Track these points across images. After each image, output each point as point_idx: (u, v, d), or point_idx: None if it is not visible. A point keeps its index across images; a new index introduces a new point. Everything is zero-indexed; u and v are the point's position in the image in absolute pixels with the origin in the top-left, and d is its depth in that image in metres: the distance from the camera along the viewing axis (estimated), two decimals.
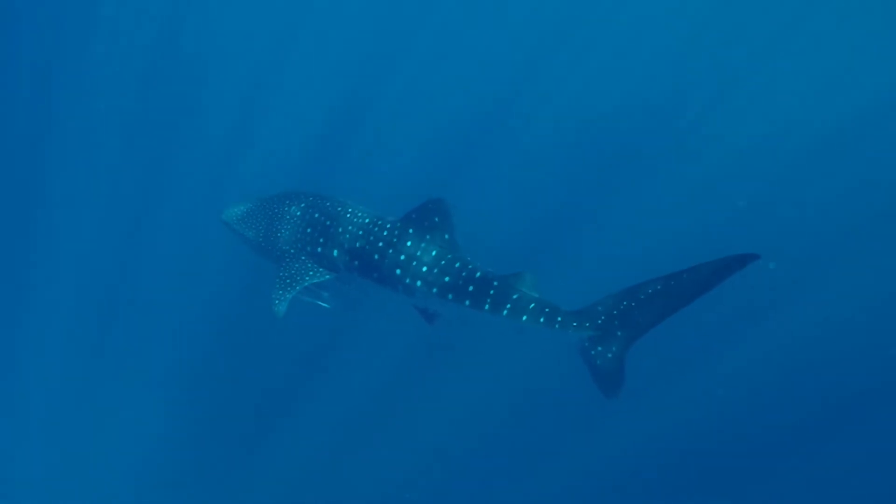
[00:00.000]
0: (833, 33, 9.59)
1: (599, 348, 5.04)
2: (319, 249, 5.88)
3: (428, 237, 5.53)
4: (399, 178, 9.59)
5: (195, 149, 10.17)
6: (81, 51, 10.34)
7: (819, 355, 9.17)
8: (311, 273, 5.78)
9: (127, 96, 10.32)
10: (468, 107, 10.34)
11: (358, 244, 5.71)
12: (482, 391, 9.20)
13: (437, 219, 5.52)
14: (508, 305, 5.19)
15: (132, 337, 9.96)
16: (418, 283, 5.46)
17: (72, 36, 10.37)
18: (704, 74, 10.14)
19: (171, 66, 10.49)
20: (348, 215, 5.88)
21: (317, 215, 6.00)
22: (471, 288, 5.30)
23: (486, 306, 5.25)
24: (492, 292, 5.24)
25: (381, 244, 5.61)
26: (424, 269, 5.44)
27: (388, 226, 5.69)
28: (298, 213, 6.09)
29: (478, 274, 5.33)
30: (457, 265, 5.40)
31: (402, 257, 5.51)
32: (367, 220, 5.79)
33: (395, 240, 5.58)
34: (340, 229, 5.82)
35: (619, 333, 4.99)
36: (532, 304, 5.15)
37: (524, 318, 5.15)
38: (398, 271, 5.52)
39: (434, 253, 5.47)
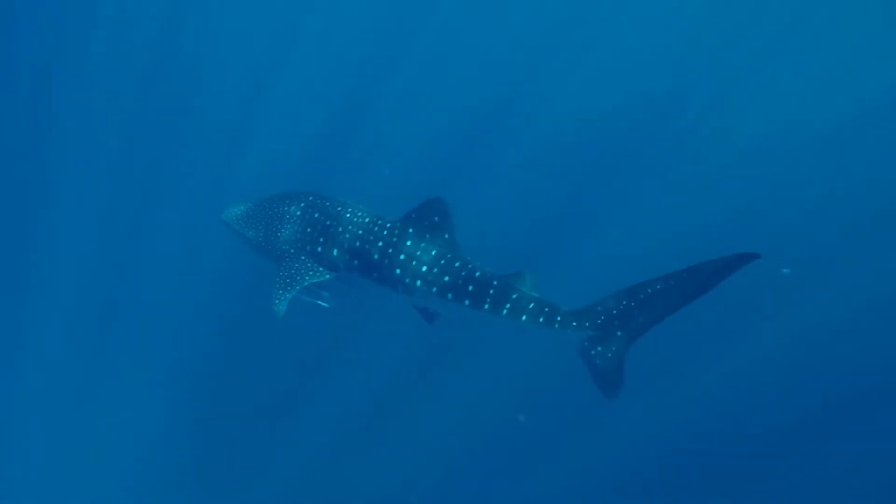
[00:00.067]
0: (833, 33, 9.60)
1: (599, 348, 5.04)
2: (319, 249, 5.88)
3: (428, 237, 5.53)
4: (399, 177, 9.60)
5: (195, 149, 10.18)
6: (81, 51, 10.35)
7: (819, 355, 9.18)
8: (311, 273, 5.79)
9: (127, 96, 10.33)
10: (468, 106, 10.35)
11: (358, 244, 5.71)
12: (482, 391, 9.20)
13: (436, 218, 5.54)
14: (508, 305, 5.20)
15: (132, 337, 9.96)
16: (418, 282, 5.46)
17: (72, 36, 10.38)
18: (704, 74, 10.16)
19: (171, 66, 10.50)
20: (348, 215, 5.89)
21: (317, 215, 6.00)
22: (470, 287, 5.30)
23: (486, 306, 5.25)
24: (491, 292, 5.25)
25: (380, 244, 5.61)
26: (424, 268, 5.45)
27: (388, 225, 5.69)
28: (298, 213, 6.10)
29: (477, 273, 5.34)
30: (456, 265, 5.40)
31: (402, 257, 5.52)
32: (367, 220, 5.79)
33: (394, 239, 5.58)
34: (340, 229, 5.82)
35: (618, 333, 5.00)
36: (531, 304, 5.16)
37: (524, 317, 5.16)
38: (398, 271, 5.53)
39: (434, 252, 5.48)
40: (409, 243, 5.54)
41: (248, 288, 8.45)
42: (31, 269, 10.34)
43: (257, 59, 10.61)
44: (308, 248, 5.93)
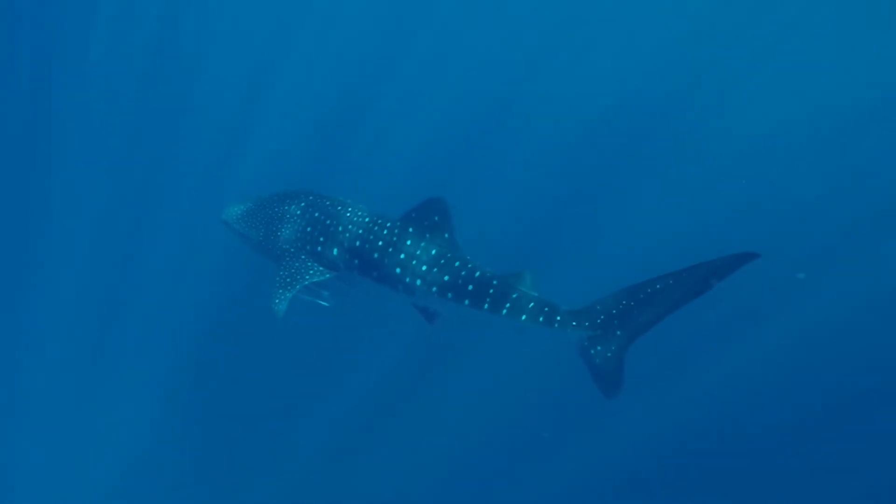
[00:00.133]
0: (833, 33, 9.60)
1: (599, 347, 5.04)
2: (319, 248, 5.88)
3: (428, 236, 5.54)
4: (399, 177, 9.60)
5: (195, 148, 10.18)
6: (81, 50, 10.35)
7: (819, 355, 9.17)
8: (311, 272, 5.78)
9: (127, 96, 10.34)
10: (468, 106, 10.35)
11: (358, 243, 5.71)
12: (482, 391, 9.19)
13: (436, 218, 5.54)
14: (508, 305, 5.19)
15: (132, 337, 9.95)
16: (418, 281, 5.46)
17: (71, 35, 10.38)
18: (704, 74, 10.16)
19: (171, 65, 10.50)
20: (348, 214, 5.89)
21: (317, 214, 6.01)
22: (470, 287, 5.30)
23: (486, 305, 5.25)
24: (491, 291, 5.25)
25: (380, 243, 5.62)
26: (424, 267, 5.45)
27: (388, 225, 5.69)
28: (298, 212, 6.10)
29: (477, 273, 5.33)
30: (456, 264, 5.40)
31: (402, 256, 5.52)
32: (367, 219, 5.80)
33: (394, 239, 5.59)
34: (340, 228, 5.82)
35: (618, 333, 5.00)
36: (531, 304, 5.16)
37: (523, 317, 5.16)
38: (398, 270, 5.53)
39: (434, 252, 5.48)
40: (409, 242, 5.54)
41: (248, 287, 8.44)
42: (31, 268, 10.34)
43: (257, 58, 10.62)
44: (308, 247, 5.94)
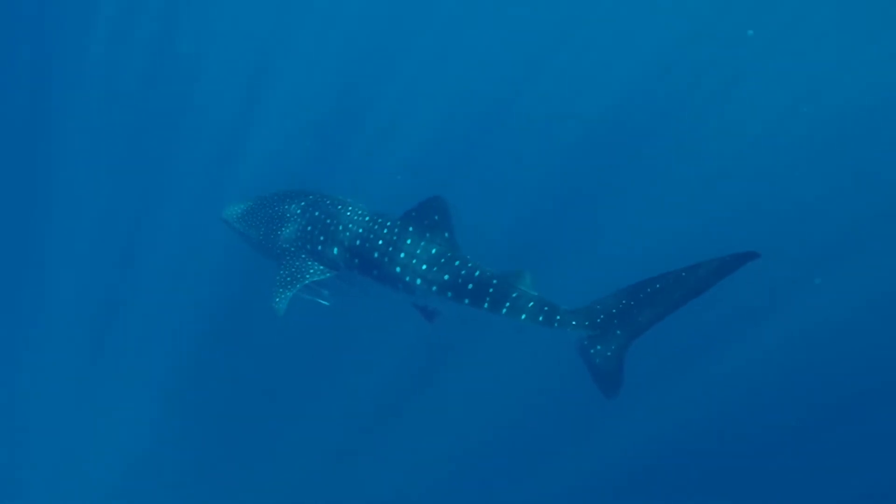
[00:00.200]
0: (833, 32, 9.61)
1: (599, 347, 5.04)
2: (320, 247, 5.89)
3: (428, 235, 5.54)
4: (399, 176, 9.61)
5: (195, 147, 10.17)
6: (80, 49, 10.34)
7: (819, 355, 9.17)
8: (311, 271, 5.79)
9: (126, 95, 10.32)
10: (468, 105, 10.36)
11: (358, 242, 5.72)
12: (482, 391, 9.19)
13: (436, 217, 5.55)
14: (507, 304, 5.20)
15: (132, 336, 9.95)
16: (418, 280, 5.47)
17: (71, 34, 10.37)
18: (704, 73, 10.17)
19: (171, 64, 10.50)
20: (348, 213, 5.90)
21: (317, 213, 6.01)
22: (470, 286, 5.31)
23: (486, 304, 5.25)
24: (491, 290, 5.25)
25: (381, 242, 5.62)
26: (424, 267, 5.45)
27: (388, 224, 5.70)
28: (298, 212, 6.11)
29: (477, 272, 5.34)
30: (456, 263, 5.41)
31: (402, 255, 5.53)
32: (367, 218, 5.81)
33: (394, 238, 5.59)
34: (341, 227, 5.83)
35: (618, 332, 5.00)
36: (531, 303, 5.16)
37: (523, 316, 5.16)
38: (398, 269, 5.54)
39: (434, 251, 5.49)
40: (409, 242, 5.55)
41: (248, 287, 8.44)
42: (31, 268, 10.34)
43: (257, 57, 10.61)
44: (308, 246, 5.94)
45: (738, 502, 9.32)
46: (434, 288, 5.42)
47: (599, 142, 10.02)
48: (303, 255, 5.93)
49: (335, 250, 5.82)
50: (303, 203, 6.15)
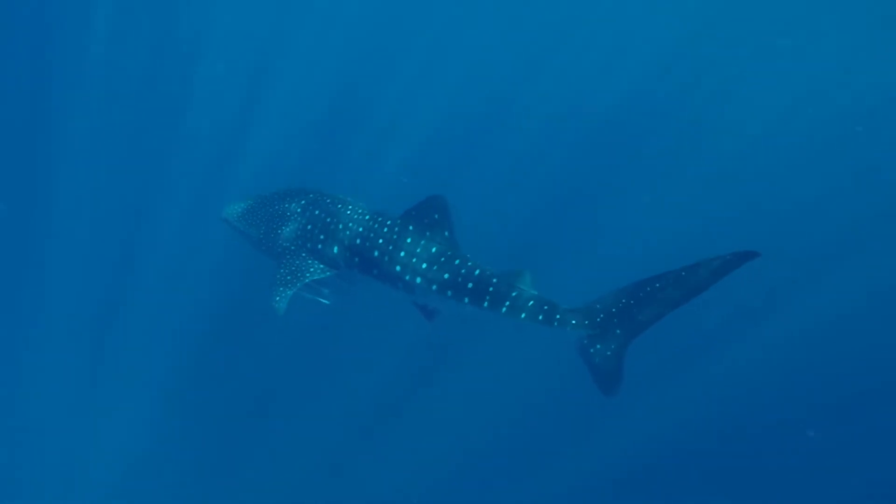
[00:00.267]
0: (833, 31, 9.62)
1: (598, 346, 5.04)
2: (320, 246, 5.90)
3: (428, 234, 5.55)
4: (399, 174, 9.61)
5: (195, 146, 10.17)
6: (79, 48, 10.33)
7: (819, 355, 9.17)
8: (311, 270, 5.81)
9: (126, 94, 10.31)
10: (469, 104, 10.36)
11: (358, 241, 5.73)
12: (482, 391, 9.19)
13: (436, 216, 5.56)
14: (507, 303, 5.20)
15: (132, 336, 9.94)
16: (418, 279, 5.47)
17: (70, 33, 10.37)
18: (704, 73, 10.18)
19: (171, 63, 10.50)
20: (349, 212, 5.91)
21: (317, 212, 6.02)
22: (470, 285, 5.32)
23: (485, 303, 5.27)
24: (491, 289, 5.26)
25: (381, 241, 5.63)
26: (424, 265, 5.46)
27: (389, 223, 5.71)
28: (299, 210, 6.12)
29: (477, 271, 5.35)
30: (456, 262, 5.42)
31: (402, 254, 5.54)
32: (367, 217, 5.82)
33: (395, 237, 5.60)
34: (341, 226, 5.84)
35: (617, 331, 5.00)
36: (531, 302, 5.17)
37: (522, 315, 5.17)
38: (398, 268, 5.54)
39: (434, 250, 5.50)
40: (409, 240, 5.56)
41: (248, 286, 8.44)
42: (31, 268, 10.33)
43: (257, 56, 10.62)
44: (308, 245, 5.95)
45: (738, 502, 9.31)
46: (434, 287, 5.43)
47: (599, 140, 10.03)
48: (303, 254, 5.94)
49: (335, 249, 5.83)
50: (303, 202, 6.17)
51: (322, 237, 5.89)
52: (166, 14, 10.55)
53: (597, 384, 5.13)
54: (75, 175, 10.19)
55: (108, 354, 10.05)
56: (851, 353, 9.28)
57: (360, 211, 5.90)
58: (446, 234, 5.56)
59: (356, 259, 5.75)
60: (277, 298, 5.57)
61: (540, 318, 5.12)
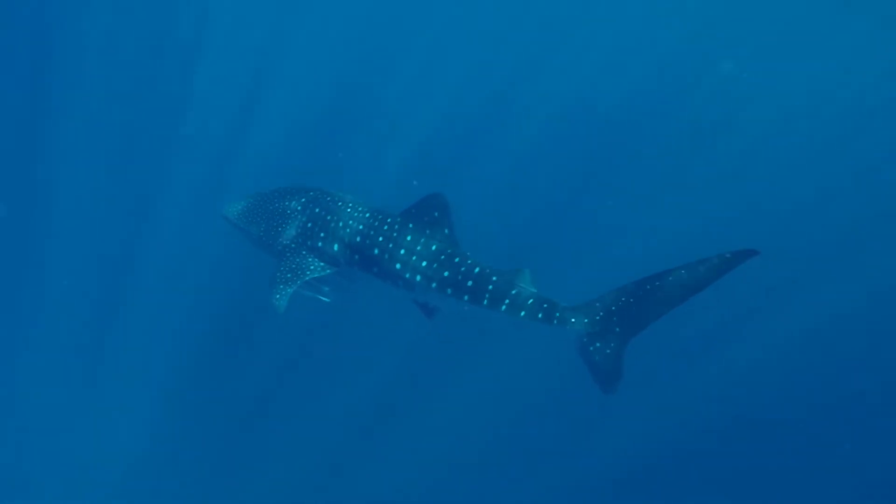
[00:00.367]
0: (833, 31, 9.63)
1: (598, 344, 5.04)
2: (320, 244, 5.90)
3: (428, 232, 5.56)
4: (399, 173, 9.61)
5: (195, 144, 10.18)
6: (79, 46, 10.34)
7: (819, 355, 9.18)
8: (311, 268, 5.81)
9: (125, 92, 10.32)
10: (469, 103, 10.37)
11: (358, 239, 5.73)
12: (481, 391, 9.19)
13: (436, 214, 5.57)
14: (507, 301, 5.21)
15: (131, 336, 9.95)
16: (418, 277, 5.48)
17: (69, 31, 10.38)
18: (704, 72, 10.18)
19: (171, 61, 10.51)
20: (349, 210, 5.92)
21: (317, 210, 6.03)
22: (470, 283, 5.32)
23: (485, 301, 5.27)
24: (490, 287, 5.26)
25: (381, 239, 5.64)
26: (424, 263, 5.47)
27: (389, 221, 5.71)
28: (299, 208, 6.13)
29: (477, 269, 5.35)
30: (456, 260, 5.42)
31: (402, 252, 5.54)
32: (367, 215, 5.82)
33: (395, 234, 5.61)
34: (341, 224, 5.85)
35: (617, 329, 5.00)
36: (530, 300, 5.17)
37: (522, 313, 5.17)
38: (398, 266, 5.55)
39: (434, 248, 5.50)
40: (409, 238, 5.57)
41: (248, 284, 8.44)
42: (31, 268, 10.33)
43: (257, 53, 10.64)
44: (309, 242, 5.95)
45: (738, 502, 9.31)
46: (434, 284, 5.43)
47: (599, 140, 10.04)
48: (303, 252, 5.95)
49: (336, 247, 5.84)
50: (303, 199, 6.17)
51: (322, 235, 5.89)
52: (166, 13, 10.55)
53: (596, 382, 5.12)
54: (75, 174, 10.20)
55: (108, 354, 10.04)
56: (851, 352, 9.28)
57: (360, 209, 5.91)
58: (446, 231, 5.57)
59: (356, 257, 5.76)
60: (278, 296, 5.58)
61: (539, 316, 5.13)
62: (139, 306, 9.88)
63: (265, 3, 10.71)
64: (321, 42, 10.70)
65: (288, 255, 5.96)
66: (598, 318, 5.02)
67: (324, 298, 6.16)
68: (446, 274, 5.39)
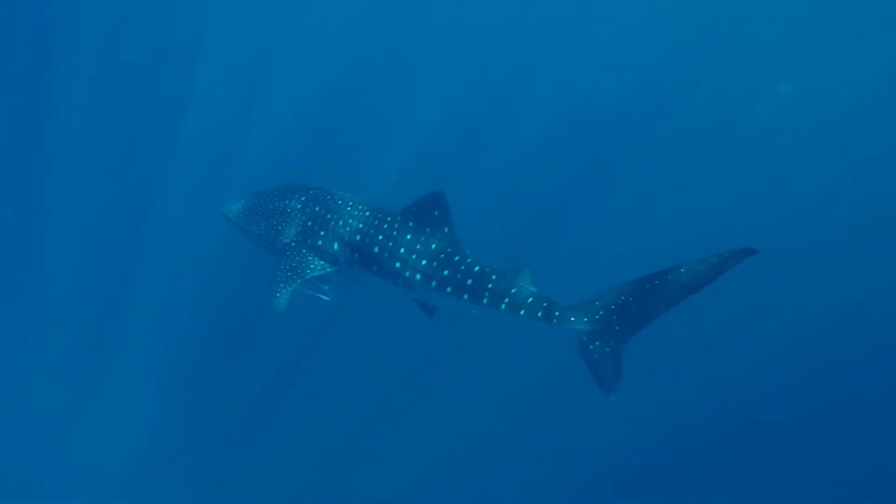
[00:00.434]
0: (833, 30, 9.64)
1: (597, 343, 5.05)
2: (320, 242, 5.91)
3: (427, 230, 5.56)
4: (399, 172, 9.62)
5: (195, 143, 10.18)
6: (79, 46, 10.35)
7: (819, 355, 9.17)
8: (311, 266, 5.82)
9: (125, 91, 10.33)
10: (469, 101, 10.38)
11: (358, 237, 5.74)
12: (481, 391, 9.19)
13: (436, 212, 5.57)
14: (506, 300, 5.21)
15: (131, 335, 9.95)
16: (417, 276, 5.49)
17: (69, 30, 10.39)
18: (704, 72, 10.18)
19: (170, 60, 10.52)
20: (349, 208, 5.93)
21: (317, 208, 6.04)
22: (469, 282, 5.33)
23: (485, 300, 5.27)
24: (490, 286, 5.27)
25: (381, 237, 5.65)
26: (424, 262, 5.47)
27: (389, 219, 5.72)
28: (299, 207, 6.13)
29: (476, 268, 5.36)
30: (456, 259, 5.43)
31: (402, 250, 5.55)
32: (367, 214, 5.83)
33: (394, 233, 5.61)
34: (341, 222, 5.86)
35: (616, 328, 5.01)
36: (530, 299, 5.18)
37: (522, 312, 5.18)
38: (398, 264, 5.55)
39: (433, 246, 5.51)
40: (408, 237, 5.57)
41: (248, 284, 8.44)
42: (31, 268, 10.34)
43: (257, 52, 10.64)
44: (309, 241, 5.96)
45: (738, 502, 9.30)
46: (433, 283, 5.44)
47: (599, 139, 10.05)
48: (303, 251, 5.95)
49: (336, 245, 5.84)
50: (303, 198, 6.18)
51: (322, 233, 5.90)
52: (166, 13, 10.56)
53: (596, 382, 5.13)
54: (75, 174, 10.21)
55: (108, 354, 10.04)
56: (851, 352, 9.27)
57: (360, 207, 5.91)
58: (446, 230, 5.57)
59: (356, 255, 5.77)
60: (278, 295, 5.58)
61: (539, 315, 5.13)
62: (139, 306, 9.88)
63: (265, 2, 10.70)
64: (321, 41, 10.70)
65: (288, 253, 5.97)
66: (597, 317, 5.03)
67: (324, 297, 6.17)
68: (446, 272, 5.39)
